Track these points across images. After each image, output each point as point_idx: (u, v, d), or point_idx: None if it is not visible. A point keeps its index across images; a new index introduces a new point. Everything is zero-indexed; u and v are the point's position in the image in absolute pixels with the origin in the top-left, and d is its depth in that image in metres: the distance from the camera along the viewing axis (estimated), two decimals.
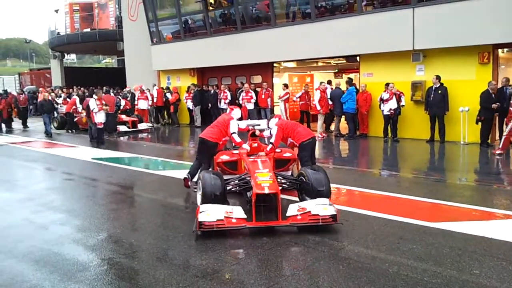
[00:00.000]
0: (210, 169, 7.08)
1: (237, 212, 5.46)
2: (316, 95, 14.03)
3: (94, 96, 14.39)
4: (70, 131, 17.91)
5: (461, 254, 4.56)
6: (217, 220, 5.22)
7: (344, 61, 17.38)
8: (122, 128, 16.82)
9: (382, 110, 12.63)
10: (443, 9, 11.65)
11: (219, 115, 9.14)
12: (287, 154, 7.37)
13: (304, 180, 6.25)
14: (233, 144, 7.69)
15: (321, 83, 14.60)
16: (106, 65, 54.24)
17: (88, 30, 26.73)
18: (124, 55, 23.64)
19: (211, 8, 17.69)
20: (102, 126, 13.92)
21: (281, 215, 5.44)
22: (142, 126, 17.61)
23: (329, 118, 15.46)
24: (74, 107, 17.77)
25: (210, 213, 5.28)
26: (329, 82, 15.08)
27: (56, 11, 30.04)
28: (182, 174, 8.04)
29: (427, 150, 11.51)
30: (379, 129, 13.09)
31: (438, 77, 11.74)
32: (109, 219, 6.17)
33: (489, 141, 11.21)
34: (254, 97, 16.15)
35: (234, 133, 7.33)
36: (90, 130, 14.83)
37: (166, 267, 4.44)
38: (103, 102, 14.26)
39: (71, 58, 44.18)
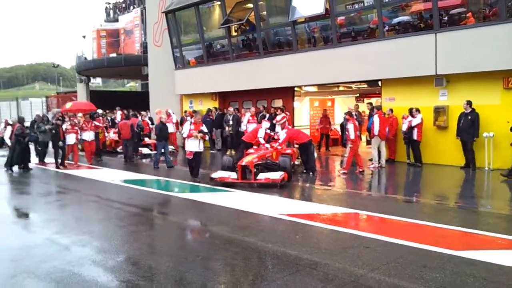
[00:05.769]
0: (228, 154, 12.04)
1: (233, 175, 10.16)
2: (376, 121, 12.07)
3: (190, 119, 11.65)
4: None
5: (486, 285, 4.41)
6: (219, 177, 10.10)
7: (366, 86, 17.35)
8: (145, 150, 17.04)
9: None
10: (466, 34, 11.58)
11: (239, 138, 13.20)
12: (288, 151, 11.43)
13: (278, 162, 10.43)
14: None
15: (376, 107, 13.11)
16: (130, 88, 55.39)
17: (114, 55, 27.42)
18: (148, 79, 24.16)
19: (234, 33, 18.00)
20: (191, 156, 10.95)
21: (254, 177, 9.94)
22: None
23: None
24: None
25: (218, 174, 10.26)
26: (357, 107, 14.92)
27: (84, 37, 31.02)
28: (202, 197, 8.34)
29: (451, 176, 11.26)
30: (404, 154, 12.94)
31: (469, 103, 11.35)
32: (129, 241, 6.22)
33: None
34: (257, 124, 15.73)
35: (260, 137, 11.47)
36: (125, 149, 15.48)
37: None
38: (201, 129, 10.90)
39: (96, 82, 45.18)
